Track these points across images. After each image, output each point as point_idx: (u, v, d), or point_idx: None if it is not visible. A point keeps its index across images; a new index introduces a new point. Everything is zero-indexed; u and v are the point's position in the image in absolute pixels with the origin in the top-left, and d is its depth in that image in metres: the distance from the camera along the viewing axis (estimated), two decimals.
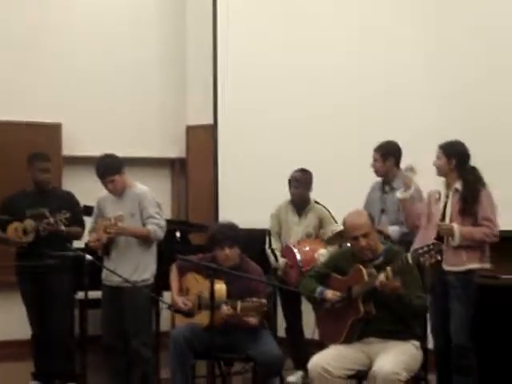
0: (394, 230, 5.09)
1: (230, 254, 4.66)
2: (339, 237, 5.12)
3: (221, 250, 4.66)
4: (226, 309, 4.44)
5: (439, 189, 4.77)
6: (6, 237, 5.34)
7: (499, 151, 5.54)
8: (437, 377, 4.77)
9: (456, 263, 4.56)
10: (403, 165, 5.10)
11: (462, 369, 4.55)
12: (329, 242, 5.42)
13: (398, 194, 4.91)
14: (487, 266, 4.65)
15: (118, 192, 5.13)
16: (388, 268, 3.95)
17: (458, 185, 4.67)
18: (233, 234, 4.71)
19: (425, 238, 4.56)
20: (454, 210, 4.64)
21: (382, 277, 3.93)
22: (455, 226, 4.53)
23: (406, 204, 4.86)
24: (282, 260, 5.62)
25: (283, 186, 5.72)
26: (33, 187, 5.48)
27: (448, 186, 4.73)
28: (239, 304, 4.41)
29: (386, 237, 4.96)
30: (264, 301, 4.42)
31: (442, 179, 4.76)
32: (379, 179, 5.34)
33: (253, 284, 4.60)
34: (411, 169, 4.84)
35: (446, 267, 4.56)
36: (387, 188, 5.28)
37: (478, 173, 4.68)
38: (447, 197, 4.70)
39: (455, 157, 4.68)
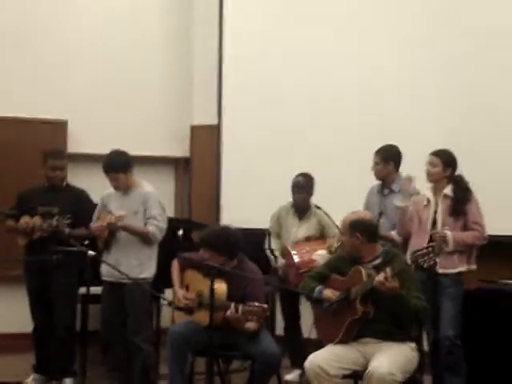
0: (395, 234, 5.14)
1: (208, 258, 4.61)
2: None
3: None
4: (232, 310, 4.46)
5: (425, 195, 4.86)
6: (17, 228, 5.38)
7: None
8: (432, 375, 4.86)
9: (448, 266, 4.71)
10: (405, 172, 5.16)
11: (451, 366, 4.65)
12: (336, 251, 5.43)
13: (398, 203, 4.96)
14: (474, 267, 4.81)
15: (121, 189, 5.18)
16: (387, 269, 4.00)
17: (448, 190, 4.80)
18: (217, 242, 4.67)
19: (418, 243, 4.64)
20: (444, 214, 4.75)
21: (380, 277, 3.99)
22: (448, 233, 4.66)
23: (404, 212, 4.92)
24: (281, 261, 5.67)
25: (285, 186, 5.76)
26: (47, 184, 5.52)
27: (436, 191, 4.82)
28: (241, 307, 4.44)
29: (390, 241, 5.01)
30: (266, 306, 4.44)
31: (428, 185, 4.85)
32: (378, 182, 5.40)
33: (250, 285, 4.64)
34: (410, 179, 4.92)
35: (440, 270, 4.69)
36: (386, 191, 5.33)
37: (465, 180, 4.84)
38: (436, 203, 4.79)
39: (451, 166, 4.82)
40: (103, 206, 5.27)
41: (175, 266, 4.95)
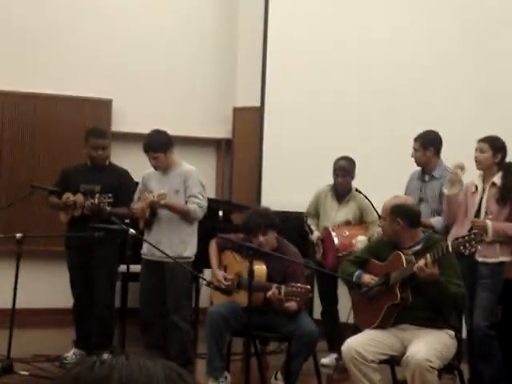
0: (437, 221, 5.09)
1: (264, 240, 4.67)
2: None
3: (255, 238, 4.68)
4: (274, 291, 4.47)
5: (474, 181, 4.79)
6: (59, 203, 5.46)
7: None
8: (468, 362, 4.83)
9: (489, 255, 4.65)
10: (452, 161, 5.09)
11: (483, 355, 4.63)
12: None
13: (445, 191, 4.89)
14: None
15: (160, 169, 5.20)
16: (428, 255, 3.96)
17: (497, 178, 4.70)
18: (265, 221, 4.71)
19: (459, 230, 4.59)
20: (490, 203, 4.67)
21: (421, 262, 3.95)
22: (489, 222, 4.59)
23: (452, 200, 4.85)
24: (316, 233, 5.66)
25: (327, 169, 5.73)
26: (90, 163, 5.55)
27: (485, 179, 4.74)
28: (283, 288, 4.44)
29: (430, 228, 4.96)
30: (308, 287, 4.45)
31: (478, 172, 4.78)
32: (418, 168, 5.35)
33: (291, 267, 4.64)
34: (461, 167, 4.85)
35: (479, 258, 4.63)
36: (427, 177, 5.28)
37: None
38: (483, 190, 4.71)
39: (500, 151, 4.72)
40: (144, 185, 5.31)
41: (213, 247, 4.97)
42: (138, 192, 5.33)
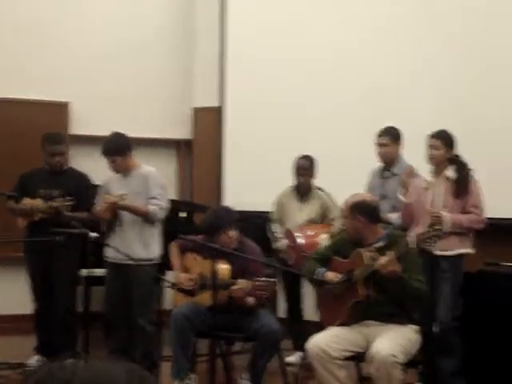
0: (395, 217, 5.13)
1: (228, 239, 4.70)
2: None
3: (222, 234, 4.70)
4: (236, 286, 4.49)
5: (424, 177, 4.85)
6: (18, 208, 5.38)
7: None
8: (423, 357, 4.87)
9: (447, 248, 4.70)
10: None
11: (445, 349, 4.67)
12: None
13: (402, 198, 4.92)
14: (471, 251, 4.80)
15: (119, 172, 5.18)
16: (389, 252, 3.99)
17: (450, 172, 4.77)
18: (227, 219, 4.76)
19: (419, 225, 4.63)
20: (445, 196, 4.71)
21: (382, 260, 3.98)
22: (444, 213, 4.63)
23: (407, 207, 4.89)
24: (283, 241, 5.68)
25: (287, 169, 5.75)
26: (47, 167, 5.49)
27: (437, 174, 4.80)
28: (250, 283, 4.46)
29: (387, 223, 5.02)
30: (273, 279, 4.47)
31: (428, 168, 4.83)
32: (378, 165, 5.38)
33: (253, 265, 4.66)
34: (412, 171, 4.89)
35: (437, 252, 4.67)
36: (387, 174, 5.32)
37: (463, 159, 4.80)
38: (437, 185, 4.77)
39: (452, 146, 4.80)
40: (105, 189, 5.27)
41: (174, 249, 4.96)
42: (100, 197, 5.28)
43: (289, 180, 5.80)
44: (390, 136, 5.28)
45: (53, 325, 5.44)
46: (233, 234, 4.72)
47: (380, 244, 4.20)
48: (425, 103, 6.02)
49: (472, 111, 5.85)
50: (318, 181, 5.76)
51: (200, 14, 7.52)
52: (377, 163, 5.41)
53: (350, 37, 6.46)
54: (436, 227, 4.09)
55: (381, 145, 5.29)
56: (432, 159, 4.82)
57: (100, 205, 5.18)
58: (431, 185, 4.82)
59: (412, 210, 4.85)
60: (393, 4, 6.32)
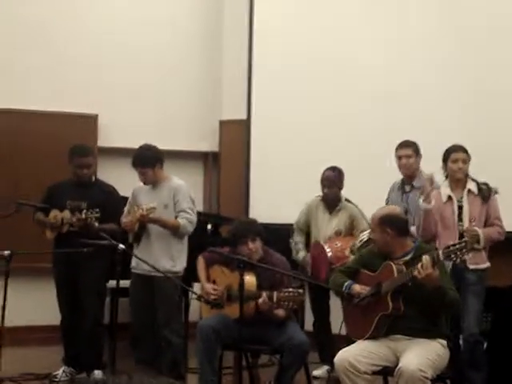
0: (412, 230, 5.07)
1: (253, 247, 4.70)
2: (367, 244, 5.10)
3: (244, 245, 4.71)
4: (264, 297, 4.48)
5: (444, 191, 4.83)
6: (47, 221, 5.43)
7: None
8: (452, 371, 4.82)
9: (478, 262, 4.74)
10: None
11: (473, 362, 4.64)
12: (358, 250, 5.39)
13: (423, 204, 4.88)
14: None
15: (148, 183, 5.22)
16: (424, 257, 3.93)
17: (472, 186, 4.79)
18: (253, 229, 4.77)
19: (447, 240, 4.58)
20: (473, 211, 4.73)
21: (419, 266, 3.93)
22: (479, 230, 4.65)
23: (430, 214, 4.86)
24: (301, 254, 5.65)
25: (315, 181, 5.73)
26: (75, 179, 5.51)
27: (455, 188, 4.79)
28: (275, 294, 4.45)
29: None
30: (301, 291, 4.45)
31: (445, 182, 4.86)
32: (398, 179, 5.37)
33: (278, 276, 4.64)
34: (432, 179, 4.86)
35: (471, 266, 4.72)
36: (408, 188, 5.31)
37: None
38: (459, 199, 4.79)
39: (470, 160, 4.84)
40: (133, 199, 5.30)
41: (201, 262, 4.97)
42: (127, 205, 5.31)
43: (315, 193, 5.79)
44: (414, 148, 5.29)
45: (80, 336, 5.45)
46: (254, 245, 4.72)
47: (408, 258, 4.17)
48: (441, 118, 6.04)
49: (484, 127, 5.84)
50: (346, 193, 5.74)
51: (228, 28, 7.57)
52: (398, 177, 5.39)
53: (377, 52, 6.47)
54: (464, 240, 4.04)
55: (405, 156, 5.28)
56: (459, 172, 4.80)
57: (126, 216, 5.20)
58: (453, 199, 4.79)
59: (432, 218, 4.82)
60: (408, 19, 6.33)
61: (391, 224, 4.18)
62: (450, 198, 4.83)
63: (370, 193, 5.69)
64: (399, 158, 5.32)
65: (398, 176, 5.41)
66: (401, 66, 6.36)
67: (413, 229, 5.04)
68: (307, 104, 6.78)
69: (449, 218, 4.78)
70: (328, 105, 6.67)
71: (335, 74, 6.65)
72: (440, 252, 3.95)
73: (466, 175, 4.86)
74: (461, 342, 4.77)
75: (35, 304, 6.76)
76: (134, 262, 5.17)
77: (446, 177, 4.91)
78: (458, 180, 4.84)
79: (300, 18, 6.94)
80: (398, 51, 6.38)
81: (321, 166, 5.77)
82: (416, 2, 6.41)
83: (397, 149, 5.34)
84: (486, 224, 4.78)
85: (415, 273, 3.94)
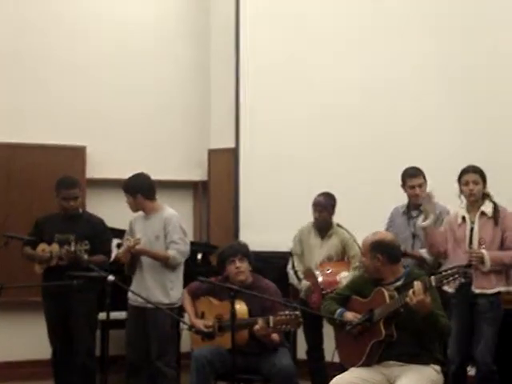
0: (424, 252, 5.09)
1: (240, 266, 4.71)
2: None
3: (232, 264, 4.73)
4: (261, 323, 4.45)
5: (459, 212, 4.79)
6: (36, 255, 5.40)
7: None
8: None
9: (486, 286, 4.62)
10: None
11: None
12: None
13: (422, 223, 4.88)
14: (511, 288, 4.69)
15: (133, 211, 5.26)
16: (416, 283, 3.90)
17: (486, 207, 4.70)
18: (242, 249, 4.81)
19: (455, 260, 4.56)
20: (483, 232, 4.66)
21: (410, 292, 3.91)
22: (485, 252, 4.57)
23: (429, 231, 4.85)
24: (304, 282, 5.62)
25: (305, 209, 5.73)
26: (62, 212, 5.50)
27: (472, 209, 4.74)
28: (271, 319, 4.43)
29: (419, 259, 5.03)
30: (297, 312, 4.42)
31: (461, 204, 4.78)
32: (401, 204, 5.34)
33: (270, 301, 4.62)
34: (431, 197, 4.85)
35: (477, 290, 4.61)
36: (415, 213, 5.24)
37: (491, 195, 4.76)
38: (473, 221, 4.72)
39: (486, 181, 4.74)
40: (130, 229, 5.32)
41: (186, 297, 4.97)
42: (125, 235, 5.32)
43: (305, 220, 5.78)
44: (423, 175, 5.24)
45: (72, 369, 5.40)
46: (241, 264, 4.73)
47: (399, 283, 4.16)
48: (442, 140, 6.02)
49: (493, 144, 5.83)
50: (338, 219, 5.73)
51: (215, 58, 7.61)
52: (396, 202, 5.37)
53: (369, 78, 6.46)
54: (456, 265, 4.03)
55: (418, 186, 5.20)
56: (473, 195, 4.71)
57: (122, 247, 5.21)
58: (466, 221, 4.74)
59: (435, 235, 4.80)
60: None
61: (382, 250, 4.17)
62: (464, 219, 4.76)
63: (364, 217, 5.69)
64: (412, 187, 5.22)
65: (391, 201, 5.39)
66: (401, 91, 6.31)
67: (423, 251, 5.05)
68: (296, 131, 6.80)
69: (461, 239, 4.73)
70: (317, 132, 6.68)
71: (323, 105, 6.64)
72: (432, 278, 3.94)
73: (484, 195, 4.73)
74: (469, 369, 4.70)
75: (25, 338, 6.68)
76: (129, 293, 5.15)
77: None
78: (473, 201, 4.75)
79: (288, 46, 6.94)
80: (398, 76, 6.32)
81: (310, 194, 5.76)
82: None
83: (407, 178, 5.24)
84: (503, 247, 4.65)
85: (407, 299, 3.92)
